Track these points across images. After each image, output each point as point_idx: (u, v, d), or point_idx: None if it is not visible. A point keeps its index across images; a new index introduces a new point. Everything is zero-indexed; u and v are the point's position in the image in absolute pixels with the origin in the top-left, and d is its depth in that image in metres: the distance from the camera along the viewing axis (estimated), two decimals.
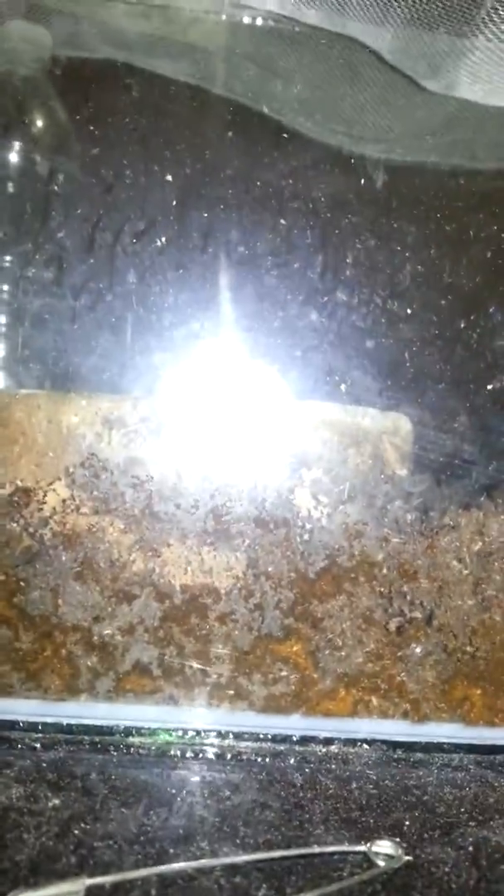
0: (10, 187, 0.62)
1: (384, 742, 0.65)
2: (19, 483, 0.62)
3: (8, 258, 0.64)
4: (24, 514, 0.62)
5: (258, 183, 0.69)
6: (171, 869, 0.45)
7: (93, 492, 0.63)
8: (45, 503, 0.62)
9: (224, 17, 0.74)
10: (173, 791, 0.55)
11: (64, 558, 0.62)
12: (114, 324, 0.63)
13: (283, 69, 0.79)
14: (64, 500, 0.62)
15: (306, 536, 0.65)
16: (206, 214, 0.62)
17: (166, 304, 0.64)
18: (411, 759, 0.64)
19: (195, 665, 0.63)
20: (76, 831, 0.48)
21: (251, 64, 0.78)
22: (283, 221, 0.62)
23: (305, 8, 0.74)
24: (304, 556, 0.65)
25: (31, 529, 0.62)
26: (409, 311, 0.65)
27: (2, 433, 0.62)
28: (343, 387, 0.65)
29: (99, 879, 0.43)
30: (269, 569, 0.64)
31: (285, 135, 0.73)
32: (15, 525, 0.61)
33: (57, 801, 0.51)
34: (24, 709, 0.60)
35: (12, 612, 0.61)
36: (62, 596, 0.62)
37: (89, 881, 0.43)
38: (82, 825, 0.49)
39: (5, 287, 0.65)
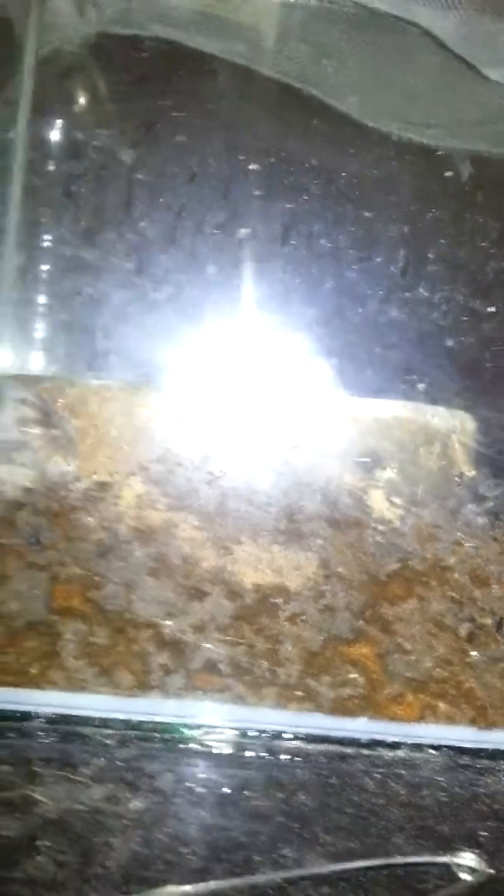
0: (88, 173, 0.61)
1: (450, 748, 0.65)
2: (95, 477, 0.61)
3: (48, 237, 0.63)
4: (99, 508, 0.61)
5: (334, 174, 0.68)
6: (260, 880, 0.45)
7: (167, 487, 0.62)
8: (120, 497, 0.62)
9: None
10: (248, 793, 0.55)
11: (138, 554, 0.61)
12: (192, 316, 0.62)
13: (335, 51, 0.77)
14: (139, 495, 0.62)
15: (378, 538, 0.64)
16: (286, 205, 0.61)
17: (244, 297, 0.62)
18: (478, 766, 0.64)
19: (264, 664, 0.63)
20: (160, 836, 0.48)
21: (303, 45, 0.76)
22: (366, 214, 0.61)
23: None
24: (376, 557, 0.64)
25: (106, 524, 0.61)
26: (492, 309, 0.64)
27: (77, 425, 0.62)
28: (421, 386, 0.64)
29: (189, 888, 0.43)
30: (341, 569, 0.64)
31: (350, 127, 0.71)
32: (91, 519, 0.61)
33: (138, 804, 0.51)
34: (97, 704, 0.60)
35: (87, 606, 0.61)
36: (136, 592, 0.61)
37: (181, 889, 0.43)
38: (165, 829, 0.49)
39: (45, 267, 0.64)
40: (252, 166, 0.61)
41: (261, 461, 0.63)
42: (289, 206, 0.61)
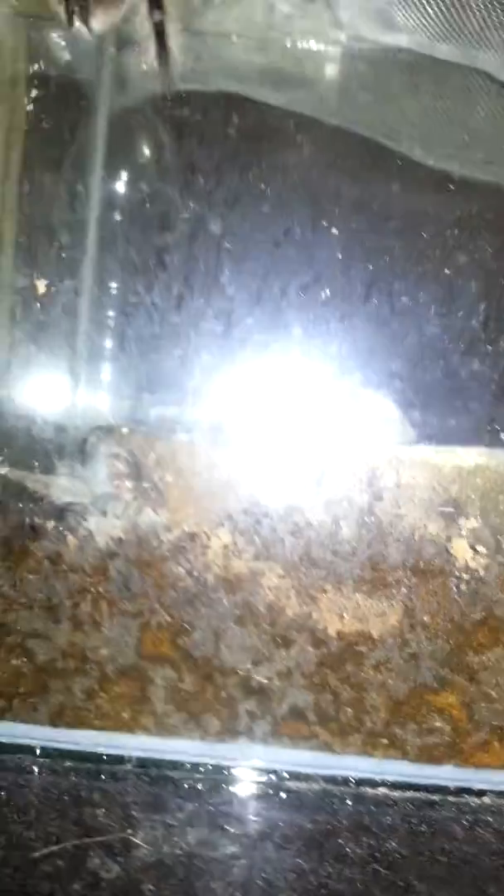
0: (181, 241, 0.64)
1: None
2: (184, 528, 0.63)
3: (114, 285, 0.66)
4: (188, 558, 0.63)
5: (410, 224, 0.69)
6: None
7: (253, 538, 0.64)
8: (208, 547, 0.64)
9: (341, 50, 0.74)
10: (341, 841, 0.56)
11: (225, 602, 0.63)
12: (277, 374, 0.65)
13: (399, 97, 0.79)
14: (226, 545, 0.64)
15: (463, 586, 0.65)
16: (368, 265, 0.63)
17: (327, 355, 0.65)
18: None
19: (350, 712, 0.64)
20: (259, 882, 0.49)
21: (366, 93, 0.78)
22: (446, 271, 0.63)
23: (439, 43, 0.74)
24: (461, 606, 0.64)
25: (194, 573, 0.63)
26: None
27: (166, 479, 0.64)
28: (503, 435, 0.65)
29: None
30: (425, 618, 0.64)
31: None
32: (180, 568, 0.63)
33: (234, 849, 0.52)
34: (186, 749, 0.62)
35: (176, 653, 0.63)
36: (223, 639, 0.63)
37: None
38: (264, 875, 0.50)
39: (111, 313, 0.67)
40: (334, 230, 0.63)
41: (344, 511, 0.64)
42: (370, 266, 0.64)
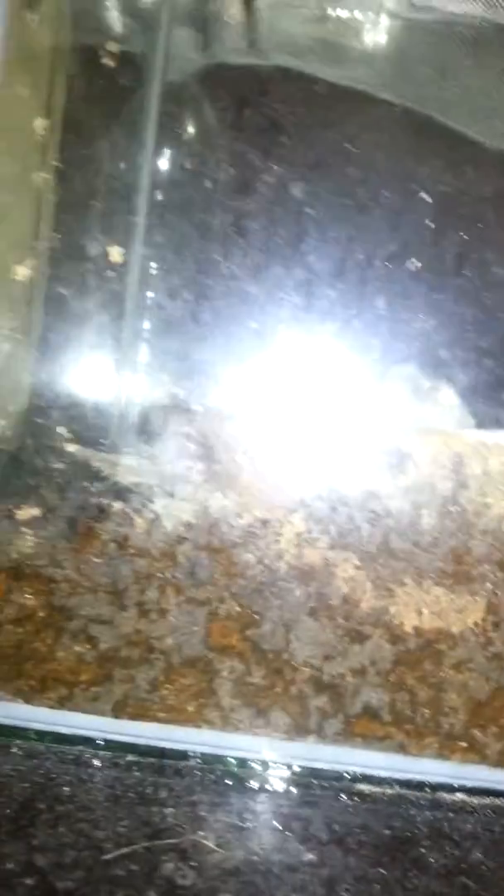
0: (254, 207, 0.60)
1: None
2: (256, 514, 0.60)
3: (154, 265, 0.63)
4: (259, 545, 0.60)
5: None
6: None
7: (329, 526, 0.60)
8: (280, 535, 0.60)
9: (399, 20, 0.70)
10: (422, 849, 0.52)
11: (297, 593, 0.60)
12: (359, 351, 0.61)
13: (457, 72, 0.74)
14: (299, 533, 0.60)
15: None
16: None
17: (414, 331, 0.61)
18: None
19: (427, 713, 0.60)
20: (342, 893, 0.45)
21: (425, 67, 0.74)
22: None
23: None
24: None
25: (265, 561, 0.60)
26: None
27: (238, 461, 0.61)
28: None
29: None
30: None
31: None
32: (250, 556, 0.60)
33: (311, 856, 0.49)
34: (253, 746, 0.59)
35: (244, 645, 0.60)
36: (294, 632, 0.60)
37: None
38: (345, 885, 0.46)
39: (150, 294, 0.63)
40: (422, 195, 0.59)
41: (427, 500, 0.60)
42: (462, 235, 0.59)
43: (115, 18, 0.66)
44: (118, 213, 0.63)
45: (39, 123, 0.61)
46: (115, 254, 0.61)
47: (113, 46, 0.64)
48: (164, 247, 0.61)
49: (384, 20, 0.68)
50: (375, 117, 0.68)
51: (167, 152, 0.64)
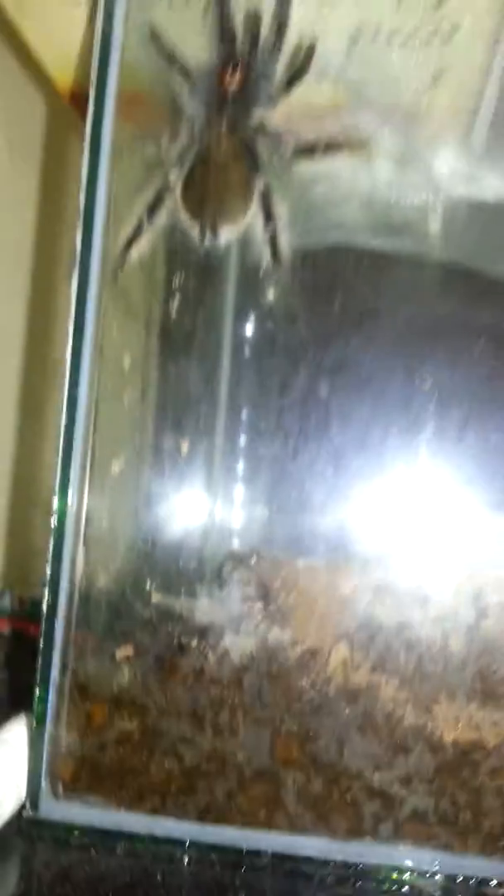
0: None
1: None
2: (307, 644, 0.72)
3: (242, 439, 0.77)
4: (311, 671, 0.72)
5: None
6: None
7: (370, 652, 0.72)
8: (328, 662, 0.72)
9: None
10: None
11: (346, 712, 0.71)
12: (382, 503, 0.74)
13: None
14: (344, 660, 0.72)
15: None
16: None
17: (427, 487, 0.73)
18: None
19: (468, 815, 0.69)
20: None
21: (469, 235, 0.84)
22: None
23: None
24: None
25: (317, 685, 0.72)
26: None
27: (290, 600, 0.74)
28: None
29: None
30: None
31: None
32: (304, 681, 0.72)
33: None
34: (316, 846, 0.69)
35: (304, 758, 0.71)
36: (346, 746, 0.71)
37: None
38: None
39: (240, 463, 0.78)
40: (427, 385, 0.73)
41: (453, 627, 0.71)
42: (462, 410, 0.72)
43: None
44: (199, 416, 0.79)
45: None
46: (184, 446, 0.77)
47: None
48: (222, 436, 0.77)
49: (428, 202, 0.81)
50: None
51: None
